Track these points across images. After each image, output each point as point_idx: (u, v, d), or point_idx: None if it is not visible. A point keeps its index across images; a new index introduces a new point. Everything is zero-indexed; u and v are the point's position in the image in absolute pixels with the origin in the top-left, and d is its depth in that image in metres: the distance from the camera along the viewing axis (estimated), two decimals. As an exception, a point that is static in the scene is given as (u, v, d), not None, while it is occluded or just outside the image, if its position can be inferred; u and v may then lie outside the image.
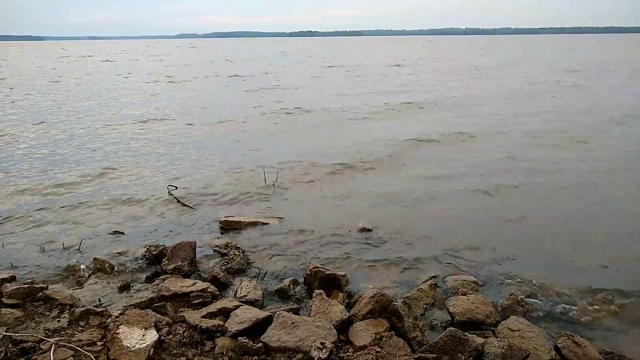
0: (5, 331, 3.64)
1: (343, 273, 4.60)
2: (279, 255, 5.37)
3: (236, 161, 9.43)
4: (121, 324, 3.56)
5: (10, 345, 3.43)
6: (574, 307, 4.30)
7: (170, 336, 3.60)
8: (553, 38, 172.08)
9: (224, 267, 4.91)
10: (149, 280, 4.74)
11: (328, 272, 4.48)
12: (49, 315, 3.99)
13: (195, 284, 4.43)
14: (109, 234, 5.93)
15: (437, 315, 4.16)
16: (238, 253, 5.18)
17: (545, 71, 30.81)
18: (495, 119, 13.74)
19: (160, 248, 5.14)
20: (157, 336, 3.51)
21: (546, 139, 11.13)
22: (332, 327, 3.68)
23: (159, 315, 3.84)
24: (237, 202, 7.09)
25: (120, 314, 3.75)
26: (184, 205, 6.88)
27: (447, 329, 3.47)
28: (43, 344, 3.45)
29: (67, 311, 4.03)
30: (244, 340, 3.50)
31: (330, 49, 75.75)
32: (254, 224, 6.16)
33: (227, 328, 3.70)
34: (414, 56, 51.47)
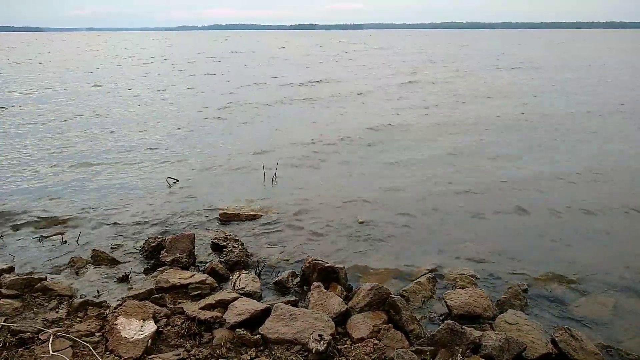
0: (4, 322, 3.64)
1: (341, 266, 4.60)
2: (277, 247, 5.38)
3: (236, 153, 9.41)
4: (119, 315, 3.57)
5: (8, 336, 3.43)
6: (571, 302, 4.31)
7: (169, 327, 3.61)
8: (557, 32, 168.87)
9: (222, 260, 4.91)
10: (148, 272, 4.75)
11: (326, 265, 4.47)
12: (47, 306, 4.00)
13: (193, 275, 4.43)
14: (108, 225, 5.92)
15: (435, 308, 4.18)
16: (237, 245, 5.17)
17: None
18: None
19: (159, 240, 5.14)
20: (156, 327, 3.52)
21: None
22: (330, 319, 3.69)
23: (158, 307, 3.85)
24: (236, 195, 7.07)
25: (119, 305, 3.76)
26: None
27: (445, 321, 3.48)
28: (41, 335, 3.46)
29: (65, 302, 4.04)
30: (242, 332, 3.51)
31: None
32: (253, 216, 6.16)
33: (225, 320, 3.71)
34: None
